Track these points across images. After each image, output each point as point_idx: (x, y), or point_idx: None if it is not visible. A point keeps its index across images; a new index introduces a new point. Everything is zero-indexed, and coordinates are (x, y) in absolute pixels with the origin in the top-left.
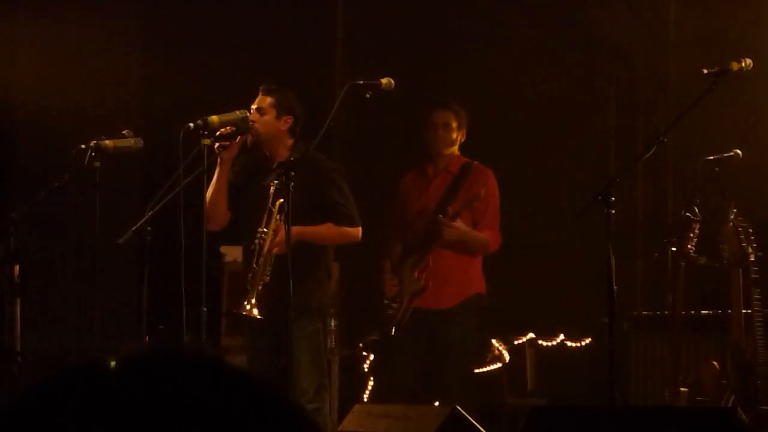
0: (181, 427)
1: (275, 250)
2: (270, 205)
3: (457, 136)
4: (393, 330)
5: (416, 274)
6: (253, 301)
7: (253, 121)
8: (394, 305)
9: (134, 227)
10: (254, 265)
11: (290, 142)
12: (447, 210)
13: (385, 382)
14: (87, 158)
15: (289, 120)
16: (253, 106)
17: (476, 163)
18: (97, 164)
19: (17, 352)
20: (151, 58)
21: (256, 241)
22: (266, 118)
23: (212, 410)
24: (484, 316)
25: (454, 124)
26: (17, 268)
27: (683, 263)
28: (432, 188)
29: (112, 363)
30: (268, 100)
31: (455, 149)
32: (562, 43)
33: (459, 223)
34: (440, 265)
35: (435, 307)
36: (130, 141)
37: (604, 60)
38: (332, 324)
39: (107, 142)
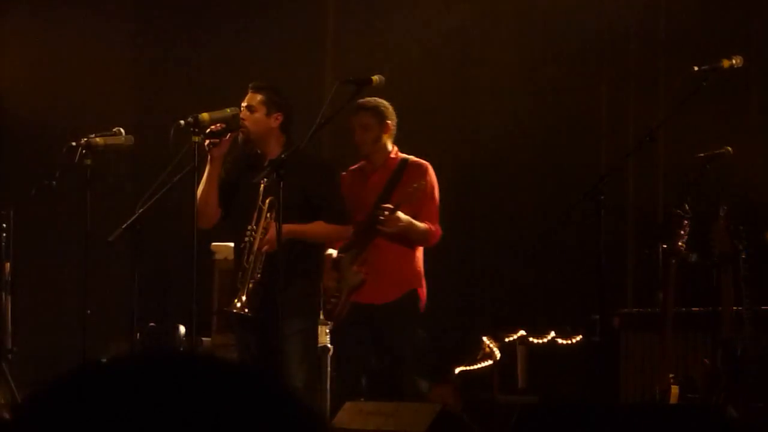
0: (181, 424)
1: (265, 247)
2: (260, 202)
3: (380, 133)
4: (332, 324)
5: (354, 268)
6: (244, 298)
7: (243, 119)
8: (333, 300)
9: (125, 224)
10: (244, 263)
11: (282, 139)
12: (388, 203)
13: (338, 377)
14: (78, 155)
15: (279, 117)
16: (243, 104)
17: (412, 158)
18: (88, 161)
19: (8, 349)
20: (143, 56)
21: (246, 238)
22: (256, 115)
23: (213, 406)
24: (421, 311)
25: (373, 123)
26: (8, 265)
27: (674, 260)
28: (369, 184)
29: (108, 362)
30: (258, 97)
31: (386, 145)
32: (553, 38)
33: (400, 213)
34: (380, 259)
35: (373, 301)
36: (120, 138)
37: (595, 56)
38: (323, 322)
39: (98, 139)
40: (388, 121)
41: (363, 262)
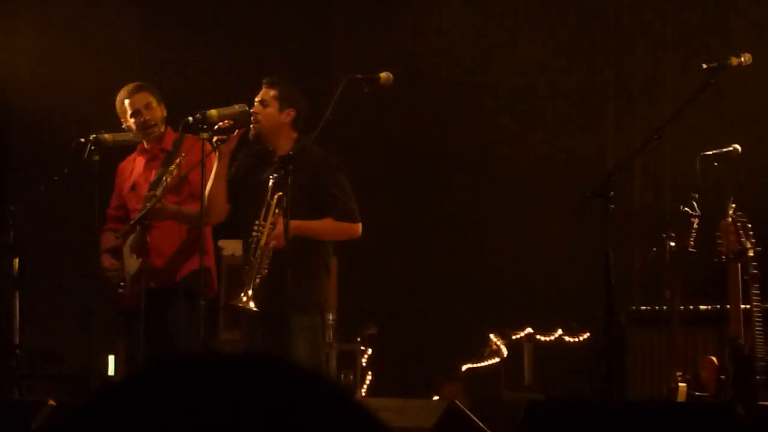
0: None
1: (272, 243)
2: (268, 198)
3: (160, 113)
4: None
5: (134, 255)
6: (250, 293)
7: (255, 113)
8: (120, 290)
9: (134, 220)
10: (251, 258)
11: (294, 135)
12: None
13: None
14: (86, 151)
15: (291, 113)
16: (257, 99)
17: (187, 135)
18: (96, 158)
19: (16, 345)
20: (151, 52)
21: (254, 234)
22: (269, 110)
23: (288, 411)
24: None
25: (154, 103)
26: (16, 261)
27: (682, 258)
28: (144, 167)
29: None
30: (271, 92)
31: (161, 126)
32: (560, 36)
33: (165, 204)
34: (161, 242)
35: (157, 285)
36: (129, 134)
37: (602, 53)
38: (330, 319)
39: (106, 135)
40: (162, 103)
41: (141, 248)
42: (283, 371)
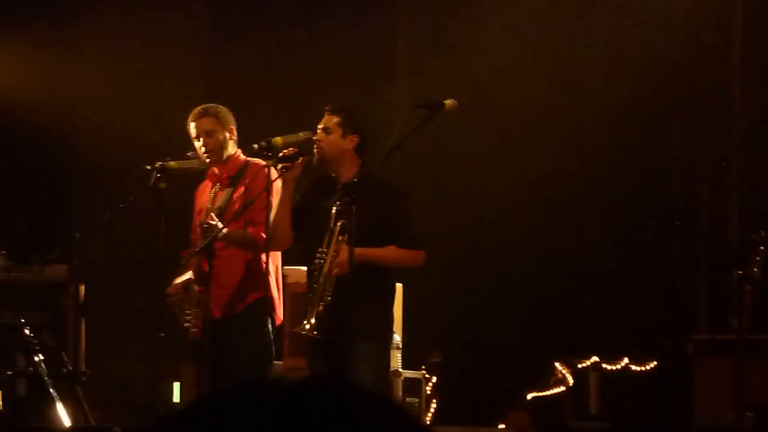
0: None
1: (336, 270)
2: (332, 225)
3: (225, 136)
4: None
5: (196, 288)
6: (313, 321)
7: (318, 140)
8: (187, 317)
9: (199, 247)
10: (314, 286)
11: (357, 161)
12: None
13: None
14: (152, 179)
15: (354, 139)
16: (320, 126)
17: (252, 161)
18: (162, 185)
19: (82, 372)
20: (216, 80)
21: (316, 261)
22: (332, 137)
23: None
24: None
25: (218, 129)
26: (82, 288)
27: (749, 286)
28: (211, 193)
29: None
30: (335, 119)
31: (231, 149)
32: (627, 61)
33: (227, 230)
34: (222, 271)
35: (221, 314)
36: (194, 162)
37: (668, 79)
38: (394, 346)
39: (171, 162)
40: (231, 125)
41: (200, 277)
42: (349, 396)
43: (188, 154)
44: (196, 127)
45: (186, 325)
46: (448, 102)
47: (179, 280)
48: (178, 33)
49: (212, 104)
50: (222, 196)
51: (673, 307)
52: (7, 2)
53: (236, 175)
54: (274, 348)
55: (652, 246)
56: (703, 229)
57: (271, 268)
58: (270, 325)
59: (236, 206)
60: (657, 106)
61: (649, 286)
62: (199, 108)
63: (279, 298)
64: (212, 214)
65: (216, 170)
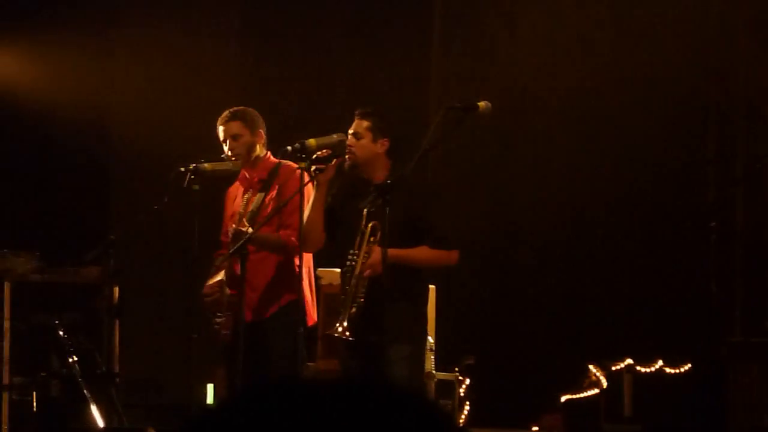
0: None
1: (368, 272)
2: (363, 227)
3: (253, 140)
4: (221, 340)
5: (227, 290)
6: (345, 323)
7: (350, 145)
8: (218, 319)
9: (232, 249)
10: (347, 287)
11: (389, 164)
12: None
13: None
14: (186, 180)
15: (385, 143)
16: (350, 131)
17: (284, 163)
18: (196, 187)
19: (116, 374)
20: (250, 82)
21: (348, 262)
22: (363, 141)
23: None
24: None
25: (246, 132)
26: (117, 290)
27: None
28: (243, 196)
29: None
30: (365, 124)
31: (260, 152)
32: (662, 64)
33: (259, 233)
34: (254, 274)
35: (253, 317)
36: (228, 164)
37: (703, 82)
38: (428, 347)
39: (206, 164)
40: (260, 129)
41: (231, 279)
42: (385, 395)
43: (222, 156)
44: (224, 130)
45: (216, 327)
46: (482, 104)
47: (212, 281)
48: (211, 35)
49: (241, 107)
50: (255, 200)
51: (708, 310)
52: (44, 6)
53: (268, 178)
54: (306, 351)
55: (687, 247)
56: (738, 231)
57: (304, 270)
58: (302, 328)
59: (269, 209)
60: (692, 107)
61: (684, 288)
62: (227, 112)
63: (312, 300)
64: (243, 219)
65: (246, 173)
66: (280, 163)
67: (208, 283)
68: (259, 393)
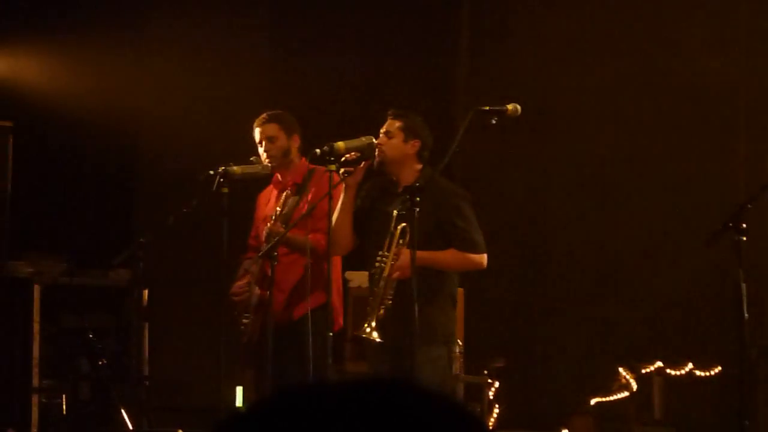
0: None
1: (396, 274)
2: (392, 229)
3: (288, 144)
4: (247, 341)
5: (256, 289)
6: (373, 324)
7: (380, 144)
8: (245, 320)
9: (261, 252)
10: (375, 289)
11: (418, 167)
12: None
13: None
14: (215, 184)
15: (416, 144)
16: (382, 130)
17: (318, 168)
18: (225, 190)
19: (145, 377)
20: (279, 85)
21: (377, 265)
22: (394, 141)
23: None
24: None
25: (282, 135)
26: (146, 293)
27: None
28: (276, 199)
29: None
30: (397, 123)
31: (295, 156)
32: (691, 65)
33: (288, 235)
34: (284, 277)
35: (280, 320)
36: (257, 167)
37: (734, 81)
38: (457, 350)
39: (235, 168)
40: (296, 132)
41: (261, 281)
42: (414, 396)
43: (251, 159)
44: (260, 132)
45: (243, 328)
46: (510, 106)
47: (241, 282)
48: (241, 39)
49: (279, 111)
50: (290, 203)
51: (738, 312)
52: (72, 9)
53: (303, 183)
54: (332, 354)
55: (718, 249)
56: None
57: (333, 275)
58: (330, 331)
59: (302, 212)
60: (723, 109)
61: (714, 291)
62: (265, 114)
63: (339, 305)
64: (278, 222)
65: (279, 177)
66: (314, 168)
67: (237, 283)
68: (288, 395)
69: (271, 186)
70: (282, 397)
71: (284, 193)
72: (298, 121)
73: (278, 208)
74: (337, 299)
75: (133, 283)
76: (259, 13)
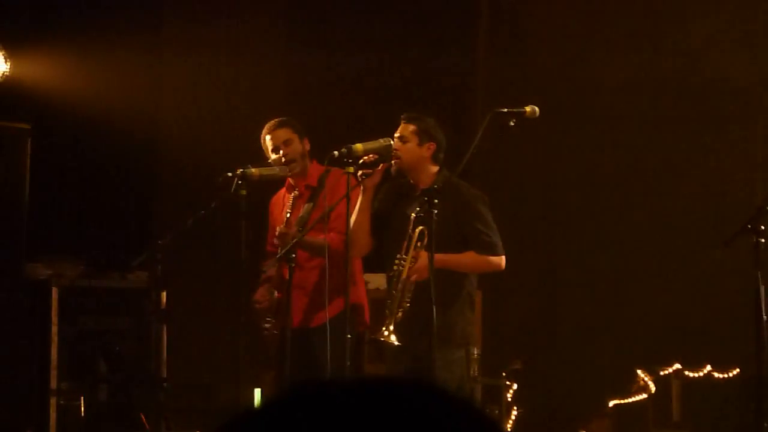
0: None
1: (414, 277)
2: (410, 231)
3: (302, 146)
4: (268, 344)
5: (275, 293)
6: (391, 327)
7: (395, 149)
8: (267, 325)
9: (279, 254)
10: (393, 292)
11: (434, 169)
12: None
13: None
14: (233, 186)
15: (431, 147)
16: (396, 135)
17: (333, 169)
18: (243, 192)
19: (164, 379)
20: (296, 87)
21: (395, 267)
22: (409, 145)
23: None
24: (359, 329)
25: (295, 139)
26: (164, 294)
27: None
28: (292, 203)
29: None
30: (410, 128)
31: (307, 161)
32: (708, 68)
33: (305, 238)
34: (301, 279)
35: (300, 324)
36: (275, 169)
37: (750, 86)
38: (475, 352)
39: (253, 170)
40: (305, 136)
41: (279, 285)
42: (431, 398)
43: (269, 161)
44: (273, 138)
45: (266, 333)
46: (529, 108)
47: (262, 288)
48: (259, 41)
49: (285, 117)
50: (304, 206)
51: (757, 315)
52: (90, 11)
53: (318, 185)
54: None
55: (736, 252)
56: None
57: (357, 276)
58: (350, 336)
59: (318, 215)
60: (741, 110)
61: (732, 293)
62: (273, 121)
63: (365, 301)
64: (293, 225)
65: (292, 181)
66: (329, 169)
67: (259, 290)
68: (303, 392)
69: (283, 190)
70: (297, 394)
71: (296, 198)
72: (317, 122)
73: (288, 211)
74: (363, 298)
75: (151, 285)
76: (278, 14)
